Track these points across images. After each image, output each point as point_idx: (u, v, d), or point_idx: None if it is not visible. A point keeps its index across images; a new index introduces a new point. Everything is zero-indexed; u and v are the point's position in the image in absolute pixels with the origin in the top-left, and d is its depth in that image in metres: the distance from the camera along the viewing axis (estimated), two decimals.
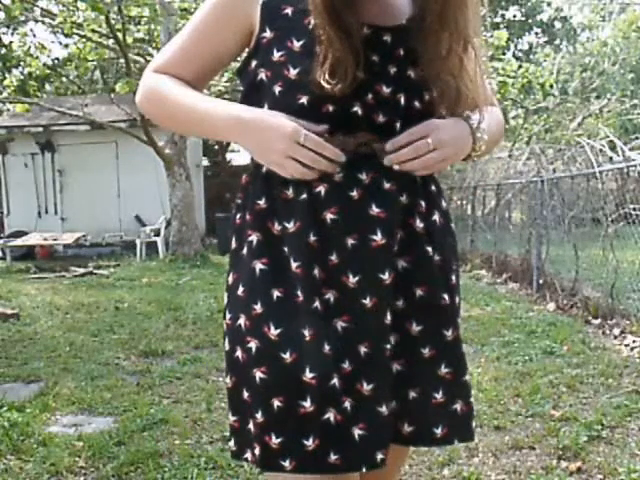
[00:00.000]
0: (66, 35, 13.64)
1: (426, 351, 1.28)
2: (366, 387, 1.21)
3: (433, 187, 1.34)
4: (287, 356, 1.19)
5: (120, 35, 10.75)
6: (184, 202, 11.20)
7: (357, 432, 1.20)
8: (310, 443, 1.18)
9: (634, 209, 5.52)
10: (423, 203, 1.29)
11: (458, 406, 1.32)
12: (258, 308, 1.22)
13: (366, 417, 1.21)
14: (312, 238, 1.21)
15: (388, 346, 1.23)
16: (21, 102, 12.41)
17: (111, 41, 11.72)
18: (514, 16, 21.21)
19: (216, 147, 18.84)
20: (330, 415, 1.18)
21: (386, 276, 1.21)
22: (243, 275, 1.27)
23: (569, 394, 3.84)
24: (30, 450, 3.12)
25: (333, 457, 1.18)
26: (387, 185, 1.22)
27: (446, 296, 1.30)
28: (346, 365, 1.20)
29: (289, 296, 1.21)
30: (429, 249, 1.28)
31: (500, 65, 13.41)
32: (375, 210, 1.21)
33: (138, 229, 12.99)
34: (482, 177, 10.66)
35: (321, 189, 1.21)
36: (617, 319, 5.39)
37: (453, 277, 1.35)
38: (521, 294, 7.46)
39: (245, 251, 1.27)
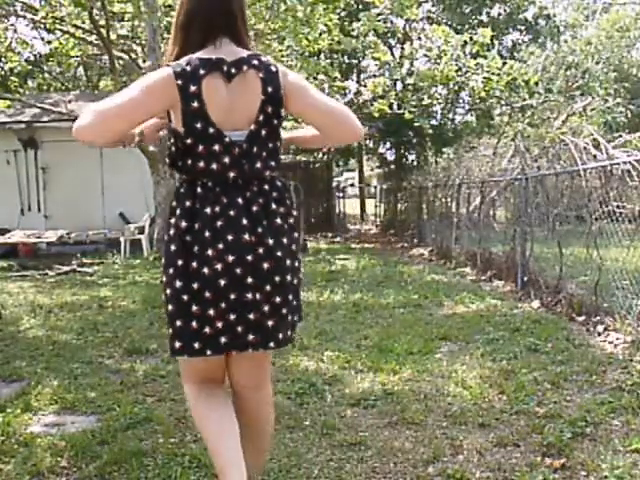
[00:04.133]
0: (49, 31, 13.52)
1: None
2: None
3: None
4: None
5: (104, 31, 10.67)
6: (168, 200, 11.08)
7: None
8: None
9: (618, 207, 5.55)
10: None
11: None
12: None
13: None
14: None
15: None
16: (3, 98, 12.29)
17: (94, 37, 11.63)
18: (499, 14, 21.28)
19: None
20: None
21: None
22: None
23: (553, 391, 3.85)
24: (11, 451, 3.09)
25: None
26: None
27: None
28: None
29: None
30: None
31: (485, 62, 13.46)
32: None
33: (122, 227, 12.91)
34: (467, 174, 10.68)
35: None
36: (601, 316, 5.42)
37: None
38: (505, 291, 7.48)
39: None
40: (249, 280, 2.10)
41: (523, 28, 21.98)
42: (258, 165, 2.15)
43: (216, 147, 2.10)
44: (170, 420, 3.47)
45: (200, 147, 2.10)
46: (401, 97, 15.09)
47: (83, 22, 11.78)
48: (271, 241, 2.12)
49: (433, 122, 18.32)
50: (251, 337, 2.12)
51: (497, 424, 3.37)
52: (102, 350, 5.02)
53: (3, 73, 16.93)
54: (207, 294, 2.09)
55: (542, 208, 7.40)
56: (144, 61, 12.02)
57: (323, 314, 6.20)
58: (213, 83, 2.07)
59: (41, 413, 3.66)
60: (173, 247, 2.13)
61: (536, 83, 16.90)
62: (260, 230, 2.11)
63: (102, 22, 10.76)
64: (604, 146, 5.90)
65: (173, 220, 2.14)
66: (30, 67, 17.77)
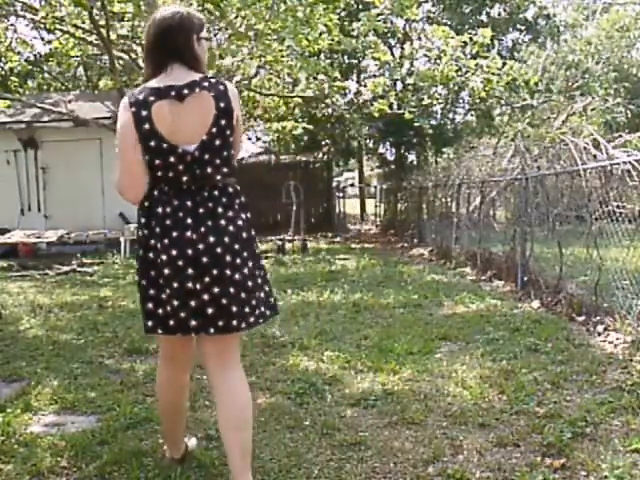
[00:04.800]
0: (49, 31, 13.52)
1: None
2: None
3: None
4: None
5: (104, 31, 10.66)
6: None
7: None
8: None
9: (618, 207, 5.54)
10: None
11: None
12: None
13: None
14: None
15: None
16: (3, 98, 12.27)
17: (94, 37, 11.63)
18: (499, 14, 21.27)
19: None
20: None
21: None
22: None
23: (553, 391, 3.85)
24: (11, 451, 3.10)
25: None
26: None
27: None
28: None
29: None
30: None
31: (485, 62, 13.43)
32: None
33: (122, 227, 12.90)
34: (467, 174, 10.68)
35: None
36: (601, 316, 5.41)
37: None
38: (505, 291, 7.48)
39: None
40: (189, 271, 2.46)
41: (523, 28, 21.96)
42: (209, 170, 2.51)
43: (171, 159, 2.49)
44: None
45: (157, 161, 2.50)
46: (401, 97, 15.07)
47: (83, 22, 11.77)
48: (212, 239, 2.47)
49: (433, 122, 18.31)
50: (193, 322, 2.49)
51: (497, 424, 3.37)
52: (102, 350, 5.02)
53: (3, 73, 16.93)
54: (160, 281, 2.51)
55: (542, 208, 7.40)
56: (144, 61, 12.01)
57: (323, 314, 6.20)
58: (162, 107, 2.47)
59: (41, 413, 3.67)
60: (140, 241, 2.59)
61: (536, 83, 16.89)
62: (203, 229, 2.47)
63: (102, 22, 10.75)
64: (604, 146, 5.90)
65: (138, 218, 2.59)
66: (30, 67, 17.77)
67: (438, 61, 14.26)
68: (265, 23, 11.48)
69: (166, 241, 2.47)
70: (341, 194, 20.81)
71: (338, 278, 8.58)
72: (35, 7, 12.01)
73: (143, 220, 2.55)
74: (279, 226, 15.99)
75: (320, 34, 12.32)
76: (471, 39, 13.81)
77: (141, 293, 2.59)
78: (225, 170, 2.54)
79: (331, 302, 6.83)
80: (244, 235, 2.55)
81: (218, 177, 2.53)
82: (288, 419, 3.47)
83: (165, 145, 2.47)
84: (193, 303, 2.46)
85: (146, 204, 2.55)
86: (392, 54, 18.30)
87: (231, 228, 2.51)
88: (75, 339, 5.41)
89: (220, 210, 2.51)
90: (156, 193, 2.53)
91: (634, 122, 20.32)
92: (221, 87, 2.53)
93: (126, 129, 2.51)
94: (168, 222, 2.48)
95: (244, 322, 2.51)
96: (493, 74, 13.64)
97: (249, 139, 25.29)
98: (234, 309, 2.48)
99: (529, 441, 3.15)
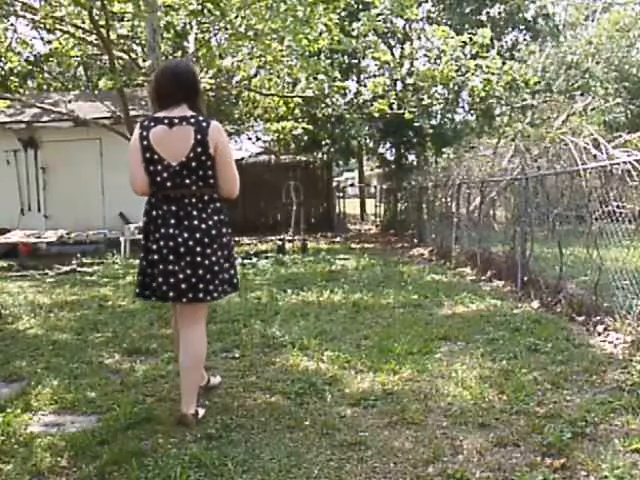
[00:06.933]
0: (49, 31, 13.52)
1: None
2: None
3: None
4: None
5: (104, 31, 10.66)
6: None
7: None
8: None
9: (618, 207, 5.54)
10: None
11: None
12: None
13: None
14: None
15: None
16: (3, 98, 12.25)
17: (94, 37, 11.63)
18: (499, 14, 21.25)
19: None
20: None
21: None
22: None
23: (553, 391, 3.85)
24: (11, 451, 3.10)
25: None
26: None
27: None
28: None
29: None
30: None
31: (484, 62, 13.44)
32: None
33: (122, 227, 12.90)
34: (467, 174, 10.67)
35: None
36: (601, 316, 5.41)
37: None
38: (505, 291, 7.47)
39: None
40: (171, 257, 3.38)
41: (523, 28, 21.94)
42: (187, 181, 3.41)
43: (159, 167, 3.41)
44: (170, 420, 3.47)
45: (151, 167, 3.43)
46: (401, 97, 15.08)
47: (83, 22, 11.77)
48: (186, 234, 3.38)
49: (433, 122, 18.30)
50: (172, 294, 3.41)
51: (497, 424, 3.37)
52: (102, 350, 5.02)
53: (3, 73, 16.92)
54: (152, 262, 3.45)
55: (542, 208, 7.39)
56: (144, 61, 12.03)
57: (323, 314, 6.20)
58: (157, 131, 3.41)
59: (41, 413, 3.67)
60: (142, 234, 3.54)
61: (536, 83, 16.90)
62: (182, 227, 3.38)
63: (102, 22, 10.75)
64: (604, 146, 5.89)
65: (142, 217, 3.52)
66: (30, 67, 17.76)
67: (438, 61, 14.29)
68: (265, 23, 11.48)
69: (157, 235, 3.42)
70: (341, 194, 20.82)
71: (338, 278, 8.58)
72: (35, 7, 12.01)
73: (145, 219, 3.50)
74: (279, 226, 16.00)
75: (320, 34, 12.33)
76: (471, 39, 13.82)
77: (141, 269, 3.54)
78: (200, 184, 3.42)
79: (331, 302, 6.83)
80: (213, 232, 3.43)
81: (194, 188, 3.41)
82: (288, 419, 3.47)
83: (156, 156, 3.40)
84: (172, 280, 3.38)
85: (147, 208, 3.50)
86: (392, 54, 18.28)
87: (203, 226, 3.40)
88: (75, 339, 5.41)
89: (195, 213, 3.41)
90: (153, 200, 3.47)
91: (634, 122, 20.31)
92: (204, 124, 3.40)
93: (134, 143, 3.46)
94: (159, 221, 3.42)
95: (208, 296, 3.44)
96: (493, 74, 13.65)
97: (249, 139, 25.31)
98: (201, 286, 3.40)
99: (529, 441, 3.15)
